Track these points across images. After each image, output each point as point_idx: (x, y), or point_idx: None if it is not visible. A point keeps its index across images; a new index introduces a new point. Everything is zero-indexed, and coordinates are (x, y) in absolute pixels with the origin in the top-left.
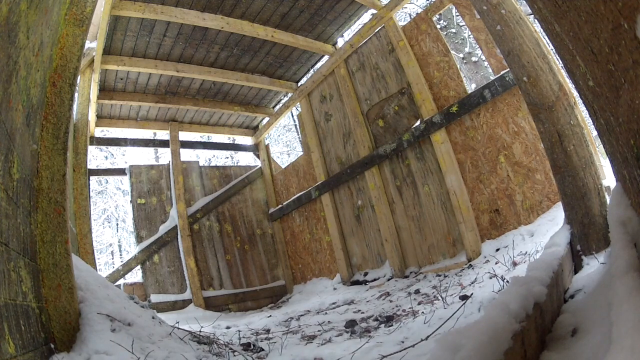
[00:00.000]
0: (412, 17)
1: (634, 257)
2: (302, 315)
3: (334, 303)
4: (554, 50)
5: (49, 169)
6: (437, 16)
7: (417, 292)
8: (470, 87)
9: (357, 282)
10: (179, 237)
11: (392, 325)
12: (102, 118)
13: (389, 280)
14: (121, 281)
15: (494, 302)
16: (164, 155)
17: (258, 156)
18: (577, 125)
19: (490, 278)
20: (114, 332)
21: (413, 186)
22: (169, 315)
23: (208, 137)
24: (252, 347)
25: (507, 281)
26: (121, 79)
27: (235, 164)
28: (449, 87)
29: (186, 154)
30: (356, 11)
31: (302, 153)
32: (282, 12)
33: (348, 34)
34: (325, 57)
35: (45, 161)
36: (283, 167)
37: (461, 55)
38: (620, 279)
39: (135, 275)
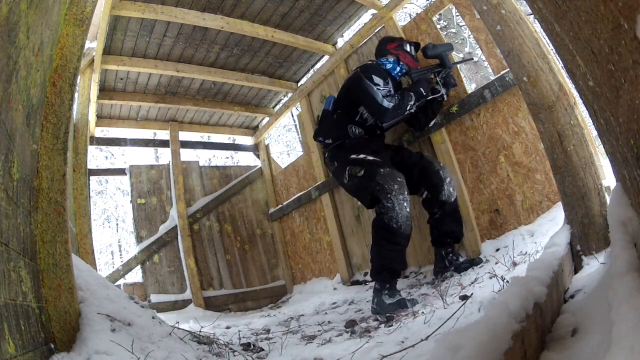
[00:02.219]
0: (412, 17)
1: (634, 257)
2: (302, 315)
3: (334, 303)
4: (554, 50)
5: (49, 169)
6: (437, 16)
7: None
8: (470, 87)
9: (357, 282)
10: (179, 237)
11: (392, 325)
12: (102, 118)
13: None
14: (121, 281)
15: (494, 302)
16: (164, 155)
17: (258, 156)
18: (577, 125)
19: (490, 278)
20: (114, 332)
21: None
22: (169, 315)
23: (208, 137)
24: (252, 347)
25: (507, 281)
26: (121, 79)
27: (235, 164)
28: None
29: (186, 154)
30: (356, 11)
31: (302, 153)
32: (282, 12)
33: (348, 34)
34: (325, 57)
35: (45, 161)
36: (283, 167)
37: (461, 55)
38: (620, 279)
39: (135, 275)
